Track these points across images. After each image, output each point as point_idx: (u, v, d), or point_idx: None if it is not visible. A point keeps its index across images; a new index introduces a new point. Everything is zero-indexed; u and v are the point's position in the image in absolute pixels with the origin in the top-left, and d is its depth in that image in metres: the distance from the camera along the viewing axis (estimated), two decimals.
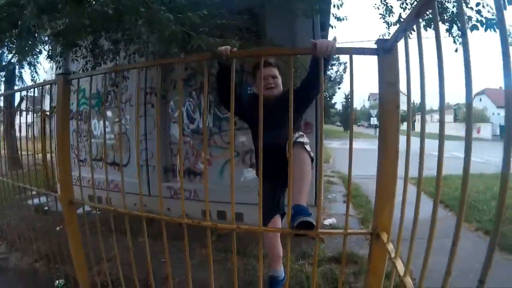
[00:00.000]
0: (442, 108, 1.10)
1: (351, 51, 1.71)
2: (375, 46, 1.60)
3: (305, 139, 2.17)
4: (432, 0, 1.18)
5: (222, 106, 2.45)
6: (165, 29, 3.05)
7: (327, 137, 23.90)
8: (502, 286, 3.10)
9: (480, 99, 47.86)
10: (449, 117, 48.90)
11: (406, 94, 1.38)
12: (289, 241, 1.78)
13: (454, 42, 4.31)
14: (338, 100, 49.04)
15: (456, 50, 4.28)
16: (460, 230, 1.02)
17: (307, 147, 2.12)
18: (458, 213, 1.00)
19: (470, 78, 0.87)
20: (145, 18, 3.06)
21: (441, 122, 1.09)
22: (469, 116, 0.95)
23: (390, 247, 1.51)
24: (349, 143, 1.65)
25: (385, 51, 1.56)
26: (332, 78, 33.89)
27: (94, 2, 2.97)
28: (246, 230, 1.85)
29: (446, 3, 4.08)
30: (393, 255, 1.46)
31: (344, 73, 35.15)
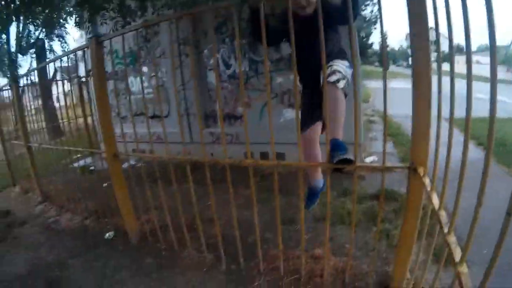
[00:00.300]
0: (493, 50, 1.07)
1: None
2: None
3: (339, 73, 2.09)
4: None
5: (260, 46, 2.32)
6: None
7: (366, 77, 23.20)
8: None
9: None
10: (486, 59, 46.27)
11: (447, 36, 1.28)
12: (328, 175, 1.84)
13: None
14: (375, 40, 47.45)
15: None
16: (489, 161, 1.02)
17: (340, 84, 2.05)
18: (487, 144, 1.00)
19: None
20: None
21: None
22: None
23: (427, 181, 1.55)
24: (383, 83, 1.66)
25: None
26: (367, 19, 32.32)
27: None
28: (286, 165, 1.90)
29: None
30: (429, 188, 1.49)
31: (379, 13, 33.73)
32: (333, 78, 1.99)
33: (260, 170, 4.60)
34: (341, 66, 2.11)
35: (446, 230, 1.22)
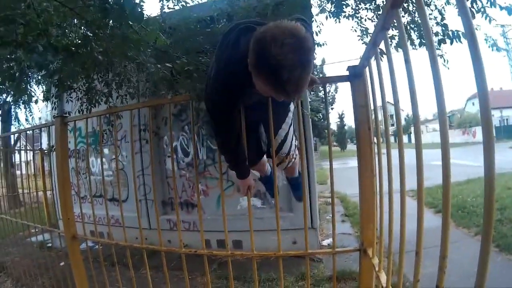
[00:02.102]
0: (417, 118, 1.15)
1: (325, 80, 1.84)
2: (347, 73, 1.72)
3: (288, 156, 2.20)
4: (383, 30, 1.25)
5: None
6: (153, 74, 3.26)
7: (324, 158, 23.70)
8: (506, 286, 3.19)
9: (473, 103, 48.09)
10: None
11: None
12: (280, 262, 1.87)
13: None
14: (332, 120, 48.73)
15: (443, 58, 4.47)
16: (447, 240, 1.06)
17: (295, 154, 2.26)
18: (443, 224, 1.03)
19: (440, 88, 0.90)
20: (132, 61, 3.26)
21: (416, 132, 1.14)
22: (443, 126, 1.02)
23: (376, 261, 1.59)
24: (329, 164, 1.76)
25: (355, 77, 1.67)
26: (323, 100, 34.14)
27: (83, 49, 3.12)
28: (240, 256, 1.93)
29: (410, 26, 4.23)
30: (377, 268, 1.55)
31: (336, 93, 35.47)
32: (283, 166, 2.18)
33: (217, 257, 4.51)
34: (286, 145, 2.13)
35: None
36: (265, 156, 2.37)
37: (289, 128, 2.06)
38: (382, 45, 1.36)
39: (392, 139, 1.49)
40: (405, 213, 1.18)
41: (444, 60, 4.52)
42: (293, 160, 2.23)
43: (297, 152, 2.26)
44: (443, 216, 0.92)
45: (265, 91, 1.33)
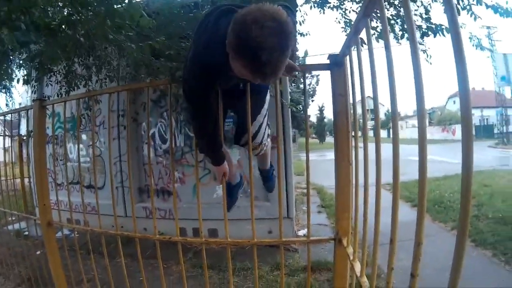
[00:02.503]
0: (395, 115, 1.15)
1: (305, 68, 1.82)
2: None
3: (260, 144, 2.16)
4: (365, 17, 1.24)
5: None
6: (132, 56, 3.20)
7: (302, 150, 23.77)
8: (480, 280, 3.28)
9: (454, 101, 48.81)
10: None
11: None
12: (254, 250, 1.87)
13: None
14: (312, 112, 48.86)
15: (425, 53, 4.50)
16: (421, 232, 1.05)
17: (267, 143, 2.25)
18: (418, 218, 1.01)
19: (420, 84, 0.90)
20: (114, 45, 3.20)
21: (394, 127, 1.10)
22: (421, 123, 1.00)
23: (350, 250, 1.60)
24: (306, 156, 1.76)
25: (336, 65, 1.66)
26: (303, 90, 34.03)
27: (66, 29, 3.05)
28: (214, 243, 1.92)
29: (394, 19, 4.24)
30: (351, 257, 1.56)
31: (317, 85, 35.43)
32: (255, 152, 2.14)
33: (193, 246, 4.49)
34: (258, 136, 2.11)
35: None
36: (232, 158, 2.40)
37: (263, 119, 2.04)
38: (364, 35, 1.35)
39: (371, 133, 1.49)
40: (380, 201, 1.18)
41: (427, 56, 4.56)
42: (264, 148, 2.21)
43: (269, 140, 2.26)
44: (418, 204, 0.92)
45: (242, 74, 1.31)
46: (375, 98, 1.20)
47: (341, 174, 1.67)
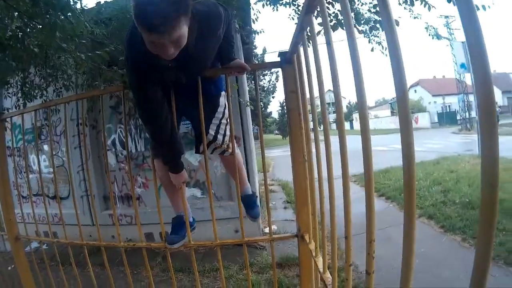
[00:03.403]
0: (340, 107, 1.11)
1: (256, 66, 1.84)
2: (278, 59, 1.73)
3: (220, 141, 2.05)
4: (308, 14, 1.26)
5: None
6: (84, 65, 3.18)
7: (266, 146, 23.77)
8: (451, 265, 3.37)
9: (415, 90, 49.43)
10: (386, 112, 50.65)
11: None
12: (219, 252, 1.88)
13: (370, 42, 4.51)
14: (274, 108, 48.95)
15: (372, 50, 4.54)
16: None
17: (228, 152, 2.09)
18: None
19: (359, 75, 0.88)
20: (68, 53, 3.15)
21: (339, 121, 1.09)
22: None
23: (312, 246, 1.61)
24: (261, 149, 1.77)
25: (286, 63, 1.69)
26: (265, 88, 34.24)
27: (18, 42, 2.99)
28: (176, 249, 1.90)
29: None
30: (313, 253, 1.58)
31: (277, 81, 35.62)
32: (217, 151, 2.05)
33: (161, 250, 4.44)
34: (218, 137, 2.04)
35: None
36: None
37: (220, 122, 2.01)
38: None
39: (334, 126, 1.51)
40: (334, 197, 1.19)
41: (382, 47, 4.59)
42: (228, 149, 2.09)
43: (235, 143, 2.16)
44: (367, 203, 0.92)
45: (149, 46, 1.36)
46: (321, 94, 1.22)
47: (297, 170, 1.70)
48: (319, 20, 1.98)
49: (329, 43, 1.05)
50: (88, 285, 2.40)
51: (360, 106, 0.94)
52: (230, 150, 2.04)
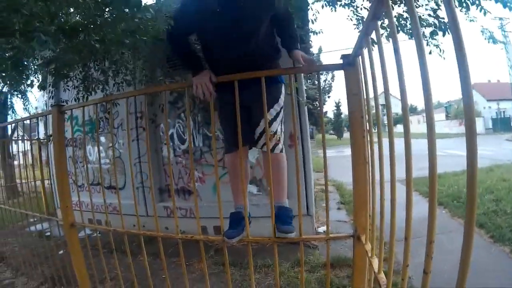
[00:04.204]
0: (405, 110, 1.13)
1: (319, 68, 1.86)
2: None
3: (274, 135, 2.03)
4: (374, 20, 1.28)
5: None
6: (146, 58, 3.26)
7: (321, 146, 23.62)
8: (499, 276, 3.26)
9: None
10: (441, 115, 49.12)
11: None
12: (275, 248, 1.91)
13: (428, 44, 4.45)
14: (329, 108, 48.79)
15: (430, 53, 4.47)
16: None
17: (277, 149, 2.06)
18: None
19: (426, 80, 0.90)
20: (129, 48, 3.26)
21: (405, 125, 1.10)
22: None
23: (368, 247, 1.62)
24: (323, 150, 1.79)
25: (348, 65, 1.69)
26: (321, 88, 34.04)
27: (80, 37, 3.12)
28: (233, 244, 1.95)
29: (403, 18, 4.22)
30: (369, 254, 1.59)
31: (333, 81, 35.27)
32: (272, 144, 2.01)
33: (214, 243, 4.60)
34: (274, 124, 2.05)
35: None
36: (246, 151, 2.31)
37: (276, 116, 2.02)
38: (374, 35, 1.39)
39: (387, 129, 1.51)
40: (395, 198, 1.22)
41: (440, 50, 4.52)
42: (280, 146, 2.11)
43: (282, 146, 2.14)
44: (430, 202, 0.95)
45: None
46: (386, 97, 1.24)
47: (358, 172, 1.70)
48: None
49: (396, 50, 1.06)
50: (140, 273, 2.50)
51: (428, 116, 0.95)
52: (281, 146, 2.05)
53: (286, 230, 1.88)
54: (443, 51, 4.54)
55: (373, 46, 1.51)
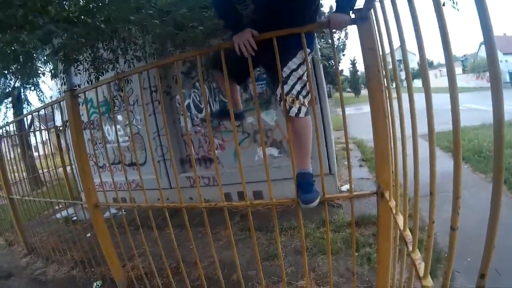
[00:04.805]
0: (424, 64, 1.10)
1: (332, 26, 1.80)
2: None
3: (297, 99, 1.94)
4: None
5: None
6: (155, 31, 3.23)
7: (339, 105, 23.48)
8: None
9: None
10: (458, 69, 47.79)
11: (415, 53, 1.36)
12: (299, 210, 1.91)
13: None
14: (345, 66, 47.91)
15: (443, 4, 4.29)
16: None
17: (302, 113, 1.95)
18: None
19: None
20: (137, 24, 3.23)
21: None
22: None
23: (393, 204, 1.61)
24: (341, 109, 1.76)
25: (361, 20, 1.65)
26: (335, 46, 33.32)
27: (85, 19, 3.11)
28: (258, 205, 1.96)
29: None
30: (394, 211, 1.57)
31: (346, 39, 34.52)
32: (293, 111, 1.92)
33: (239, 209, 4.64)
34: (295, 88, 1.96)
35: (410, 249, 1.29)
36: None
37: (291, 73, 1.95)
38: None
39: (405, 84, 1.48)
40: (417, 154, 1.20)
41: (453, 2, 4.35)
42: (302, 109, 1.97)
43: (307, 109, 2.00)
44: (454, 156, 0.93)
45: None
46: (403, 50, 1.21)
47: (378, 127, 1.67)
48: None
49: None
50: (167, 246, 2.55)
51: (449, 70, 0.93)
52: (305, 109, 1.97)
53: (307, 201, 1.86)
54: (456, 2, 4.37)
55: None
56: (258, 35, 1.82)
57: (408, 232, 1.40)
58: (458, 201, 0.91)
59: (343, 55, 37.26)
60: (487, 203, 0.82)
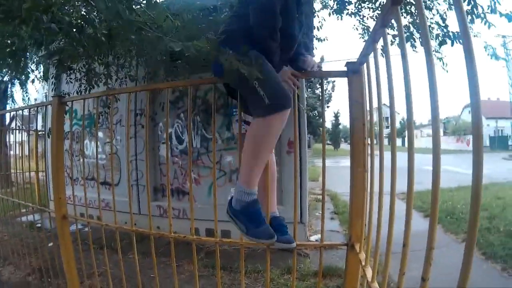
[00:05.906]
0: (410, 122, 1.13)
1: (323, 74, 1.85)
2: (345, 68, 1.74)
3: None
4: (383, 27, 1.27)
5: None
6: (150, 56, 3.25)
7: (317, 156, 23.70)
8: None
9: (469, 111, 48.21)
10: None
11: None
12: (268, 254, 1.88)
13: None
14: (327, 119, 48.60)
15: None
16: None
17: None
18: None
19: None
20: (135, 45, 3.25)
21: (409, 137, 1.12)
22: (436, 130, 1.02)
23: (362, 256, 1.61)
24: (322, 160, 1.78)
25: (353, 73, 1.69)
26: (320, 97, 34.11)
27: (87, 27, 3.11)
28: (228, 242, 1.93)
29: (413, 26, 4.25)
30: (363, 263, 1.57)
31: (333, 91, 35.39)
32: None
33: (205, 246, 4.65)
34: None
35: None
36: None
37: None
38: (381, 44, 1.38)
39: (386, 141, 1.50)
40: (394, 209, 1.20)
41: (443, 64, 4.54)
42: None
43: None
44: (431, 210, 0.93)
45: None
46: (391, 106, 1.23)
47: (356, 180, 1.69)
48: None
49: (404, 56, 1.07)
50: (128, 271, 2.47)
51: (434, 131, 0.95)
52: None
53: (287, 241, 1.75)
54: (446, 64, 4.56)
55: (383, 55, 1.51)
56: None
57: (376, 285, 1.39)
58: (431, 252, 0.90)
59: (328, 107, 38.17)
60: (457, 263, 0.82)
